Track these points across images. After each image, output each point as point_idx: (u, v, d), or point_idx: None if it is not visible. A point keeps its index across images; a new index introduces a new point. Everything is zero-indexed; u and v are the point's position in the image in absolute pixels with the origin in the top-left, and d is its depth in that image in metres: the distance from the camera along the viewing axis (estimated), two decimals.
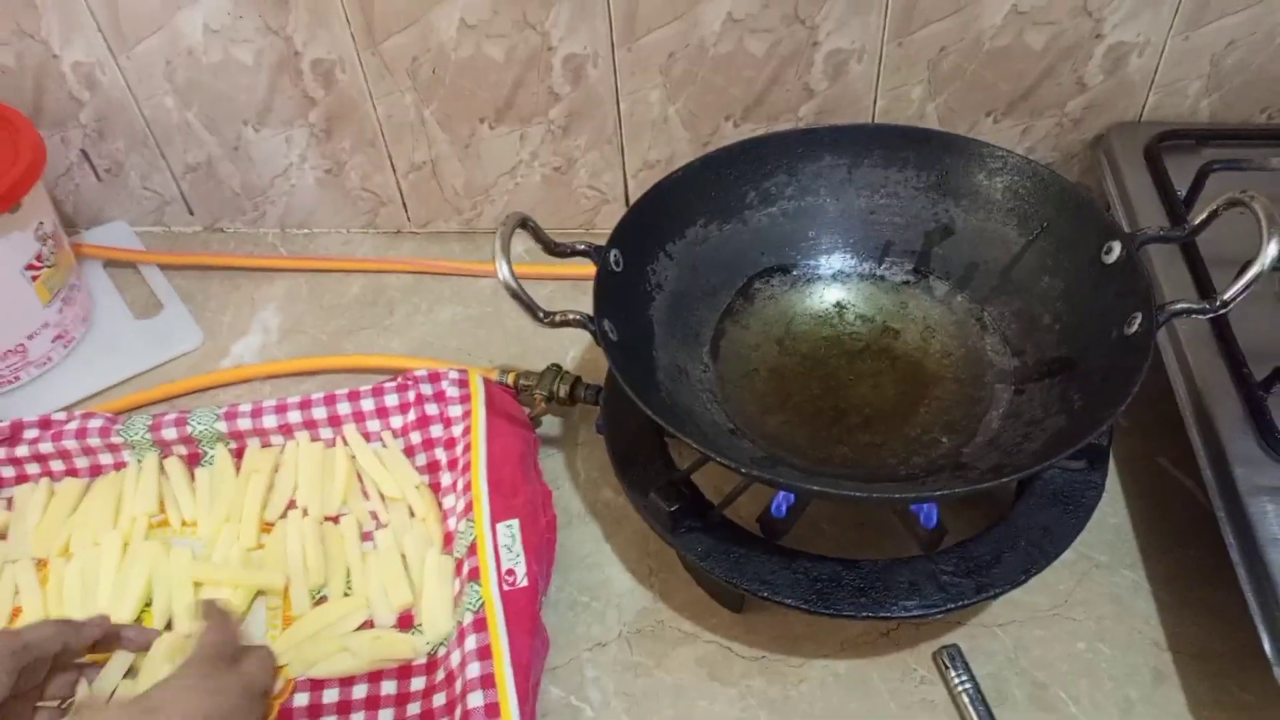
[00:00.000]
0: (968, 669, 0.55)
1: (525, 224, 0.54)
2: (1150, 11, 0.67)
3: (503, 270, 0.51)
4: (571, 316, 0.53)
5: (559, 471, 0.69)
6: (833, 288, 0.64)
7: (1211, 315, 0.48)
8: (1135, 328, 0.50)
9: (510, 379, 0.70)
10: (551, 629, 0.60)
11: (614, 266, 0.57)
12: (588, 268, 0.60)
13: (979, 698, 0.54)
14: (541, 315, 0.53)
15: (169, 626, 0.61)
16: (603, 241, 0.58)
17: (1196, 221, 0.51)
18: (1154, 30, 0.68)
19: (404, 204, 0.86)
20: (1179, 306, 0.49)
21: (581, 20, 0.71)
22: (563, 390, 0.68)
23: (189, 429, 0.68)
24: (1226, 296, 0.47)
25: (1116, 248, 0.53)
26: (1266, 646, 0.47)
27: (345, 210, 0.87)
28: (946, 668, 0.56)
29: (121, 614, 0.61)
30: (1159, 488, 0.64)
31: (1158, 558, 0.61)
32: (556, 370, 0.69)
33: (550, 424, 0.72)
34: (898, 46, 0.70)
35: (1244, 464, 0.52)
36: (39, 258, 0.73)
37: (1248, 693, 0.54)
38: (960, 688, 0.55)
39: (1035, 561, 0.51)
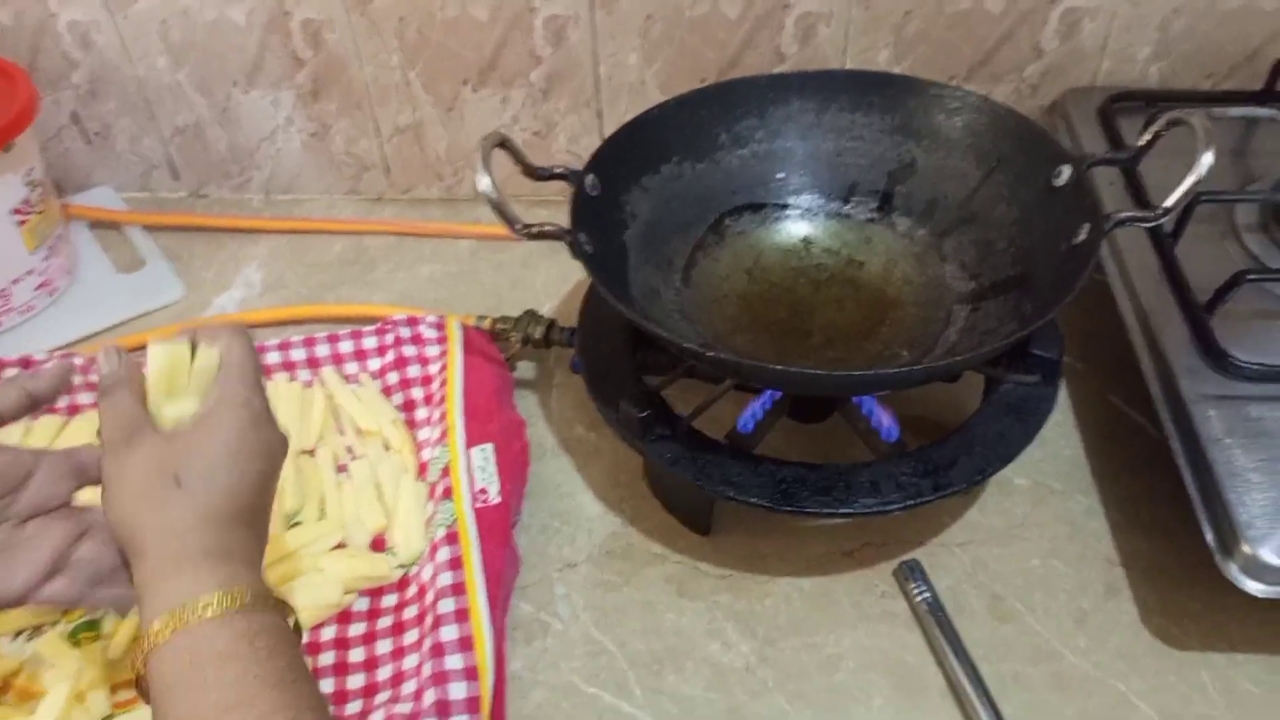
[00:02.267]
0: (927, 581, 0.57)
1: (504, 143, 0.56)
2: None
3: (483, 182, 0.53)
4: (549, 228, 0.55)
5: (534, 410, 0.71)
6: (800, 224, 0.67)
7: (1153, 223, 0.51)
8: (1083, 236, 0.53)
9: (487, 324, 0.72)
10: (523, 551, 0.61)
11: (590, 190, 0.59)
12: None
13: (938, 606, 0.56)
14: (519, 226, 0.55)
15: None
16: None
17: (1141, 143, 0.54)
18: None
19: (386, 169, 0.88)
20: (1124, 215, 0.51)
21: None
22: (538, 332, 0.70)
23: None
24: (1168, 204, 0.50)
25: (1066, 171, 0.56)
26: (1209, 536, 0.49)
27: (329, 175, 0.89)
28: (907, 579, 0.57)
29: None
30: (1112, 424, 0.67)
31: (1110, 485, 0.63)
32: (532, 314, 0.71)
33: (525, 368, 0.74)
34: (864, 10, 0.74)
35: (1189, 376, 0.55)
36: (26, 203, 0.75)
37: (1195, 601, 0.56)
38: (920, 598, 0.56)
39: (990, 464, 0.53)
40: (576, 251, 0.54)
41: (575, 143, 0.85)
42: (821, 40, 0.76)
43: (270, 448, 0.46)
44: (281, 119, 0.85)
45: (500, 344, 0.72)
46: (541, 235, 0.55)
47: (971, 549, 0.60)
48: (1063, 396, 0.68)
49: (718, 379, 0.60)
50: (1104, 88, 0.76)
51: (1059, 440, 0.66)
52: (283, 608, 0.43)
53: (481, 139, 0.55)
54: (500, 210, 0.54)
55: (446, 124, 0.84)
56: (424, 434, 0.67)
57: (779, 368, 0.49)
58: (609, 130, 0.83)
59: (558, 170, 0.59)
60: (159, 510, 0.42)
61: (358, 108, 0.83)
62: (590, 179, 0.59)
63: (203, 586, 0.40)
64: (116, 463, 0.43)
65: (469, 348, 0.69)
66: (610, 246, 0.59)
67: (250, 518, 0.44)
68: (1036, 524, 0.61)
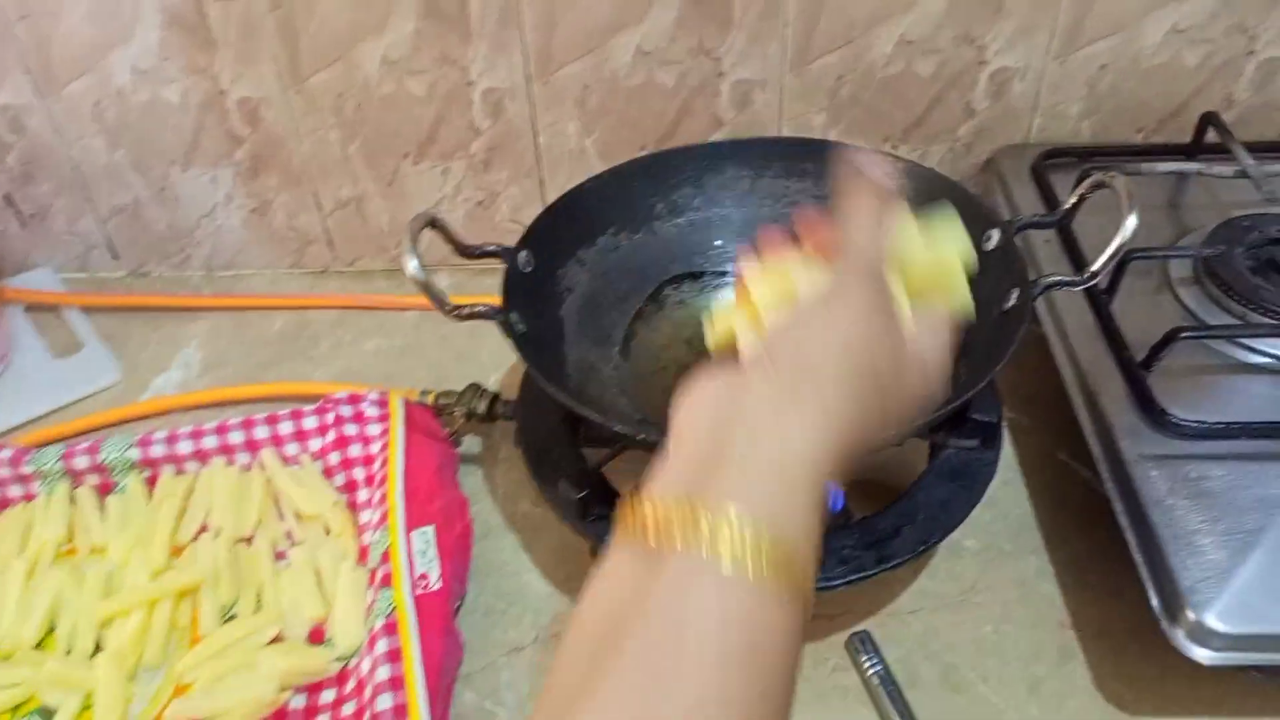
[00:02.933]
0: (878, 653, 0.56)
1: (434, 223, 0.56)
2: (1027, 38, 0.72)
3: (410, 265, 0.52)
4: (480, 309, 0.54)
5: (479, 487, 0.69)
6: None
7: (1083, 286, 0.51)
8: (1013, 302, 0.53)
9: (430, 399, 0.71)
10: (467, 635, 0.60)
11: (523, 267, 0.59)
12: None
13: (890, 679, 0.55)
14: (449, 307, 0.54)
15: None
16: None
17: (1068, 205, 0.54)
18: (1032, 56, 0.73)
19: (330, 242, 0.87)
20: (1052, 279, 0.52)
21: (499, 55, 0.74)
22: (481, 407, 0.69)
23: (101, 457, 0.67)
24: (1095, 268, 0.50)
25: (996, 234, 0.56)
26: (1154, 601, 0.49)
27: (271, 250, 0.88)
28: (858, 652, 0.56)
29: (24, 639, 0.59)
30: (1060, 481, 0.66)
31: (1060, 545, 0.62)
32: (476, 388, 0.70)
33: (471, 442, 0.73)
34: (797, 77, 0.75)
35: (1129, 435, 0.55)
36: None
37: (1149, 665, 0.55)
38: (871, 670, 0.55)
39: (932, 533, 0.53)
40: (507, 332, 0.54)
41: (519, 212, 0.84)
42: (758, 106, 0.76)
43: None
44: (221, 196, 0.84)
45: (444, 419, 0.71)
46: (472, 316, 0.54)
47: (923, 617, 0.59)
48: (1010, 455, 0.68)
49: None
50: (1037, 145, 0.77)
51: (1008, 500, 0.65)
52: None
53: (410, 220, 0.54)
54: (429, 292, 0.53)
55: (388, 197, 0.84)
56: (365, 516, 0.65)
57: None
58: (552, 198, 0.83)
59: (490, 248, 0.58)
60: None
61: (298, 183, 0.83)
62: (523, 255, 0.59)
63: None
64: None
65: (411, 425, 0.68)
66: (545, 322, 0.59)
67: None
68: (988, 588, 0.60)
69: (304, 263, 0.89)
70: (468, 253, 0.58)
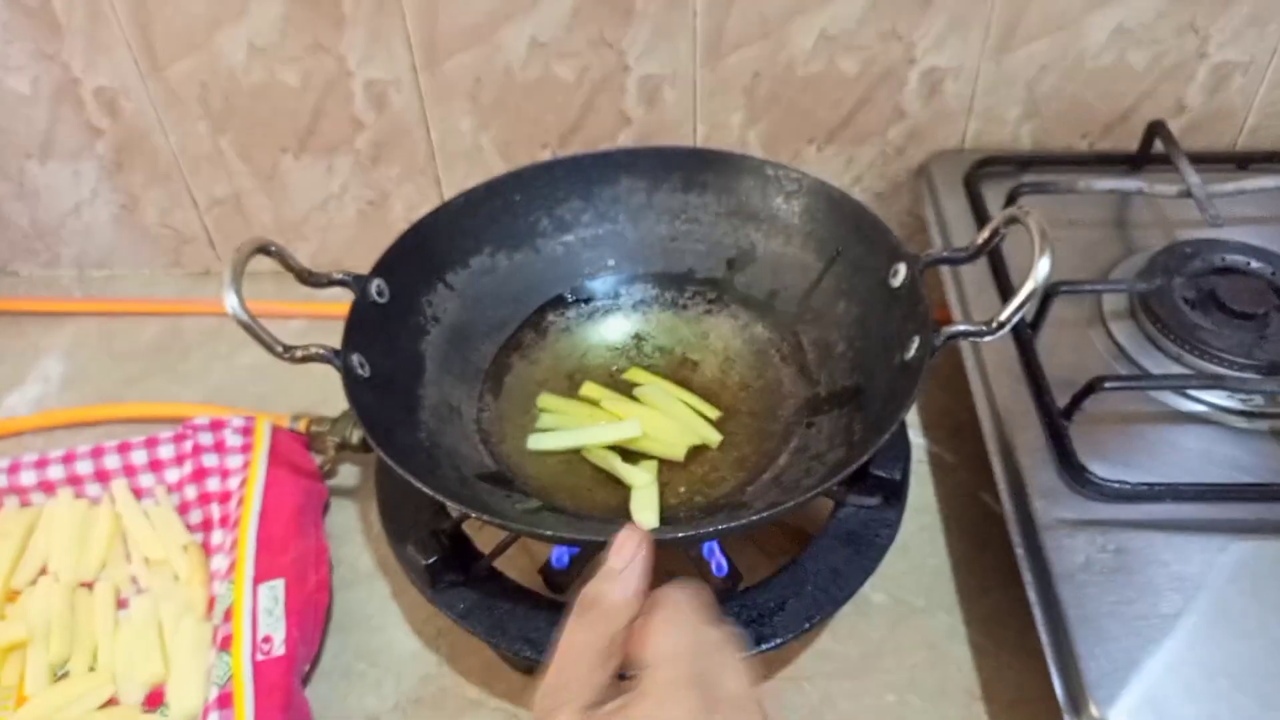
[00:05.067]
0: None
1: (268, 250, 0.49)
2: (959, 35, 0.65)
3: (230, 301, 0.46)
4: (315, 351, 0.48)
5: (350, 525, 0.63)
6: (632, 318, 0.60)
7: (990, 337, 0.45)
8: (912, 352, 0.47)
9: (302, 425, 0.65)
10: (319, 701, 0.54)
11: (376, 297, 0.52)
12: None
13: None
14: (281, 350, 0.47)
15: None
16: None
17: (980, 241, 0.48)
18: (965, 55, 0.66)
19: (210, 241, 0.80)
20: (956, 329, 0.46)
21: (377, 44, 0.67)
22: (356, 436, 0.63)
23: None
24: (1002, 318, 0.44)
25: (902, 270, 0.50)
26: (1058, 689, 0.44)
27: (146, 249, 0.80)
28: None
29: None
30: (981, 525, 0.61)
31: (976, 599, 0.57)
32: (353, 416, 0.64)
33: (348, 474, 0.66)
34: (710, 72, 0.68)
35: (1043, 495, 0.49)
36: None
37: None
38: None
39: (821, 607, 0.47)
40: (346, 377, 0.47)
41: (415, 211, 0.77)
42: (669, 103, 0.69)
43: None
44: (86, 192, 0.77)
45: (316, 448, 0.65)
46: (308, 359, 0.48)
47: (820, 683, 0.54)
48: (929, 496, 0.63)
49: None
50: (973, 150, 0.70)
51: (924, 547, 0.60)
52: None
53: (235, 248, 0.47)
54: (253, 333, 0.46)
55: (269, 193, 0.76)
56: (216, 563, 0.59)
57: (552, 534, 0.43)
58: (450, 196, 0.76)
59: (337, 276, 0.52)
60: None
61: (167, 178, 0.75)
62: (376, 284, 0.52)
63: None
64: None
65: (275, 457, 0.61)
66: (400, 360, 0.52)
67: None
68: (894, 650, 0.55)
69: (182, 262, 0.82)
70: (312, 281, 0.51)
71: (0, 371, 0.74)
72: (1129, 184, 0.62)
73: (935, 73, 0.67)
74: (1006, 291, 0.58)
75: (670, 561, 0.58)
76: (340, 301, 0.78)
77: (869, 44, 0.66)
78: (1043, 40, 0.65)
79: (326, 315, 0.76)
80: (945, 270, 0.64)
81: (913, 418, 0.67)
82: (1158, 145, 0.66)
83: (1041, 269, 0.43)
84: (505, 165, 0.74)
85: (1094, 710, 0.42)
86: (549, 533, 0.42)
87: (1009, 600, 0.57)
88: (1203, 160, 0.64)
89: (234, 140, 0.73)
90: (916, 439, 0.66)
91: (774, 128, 0.71)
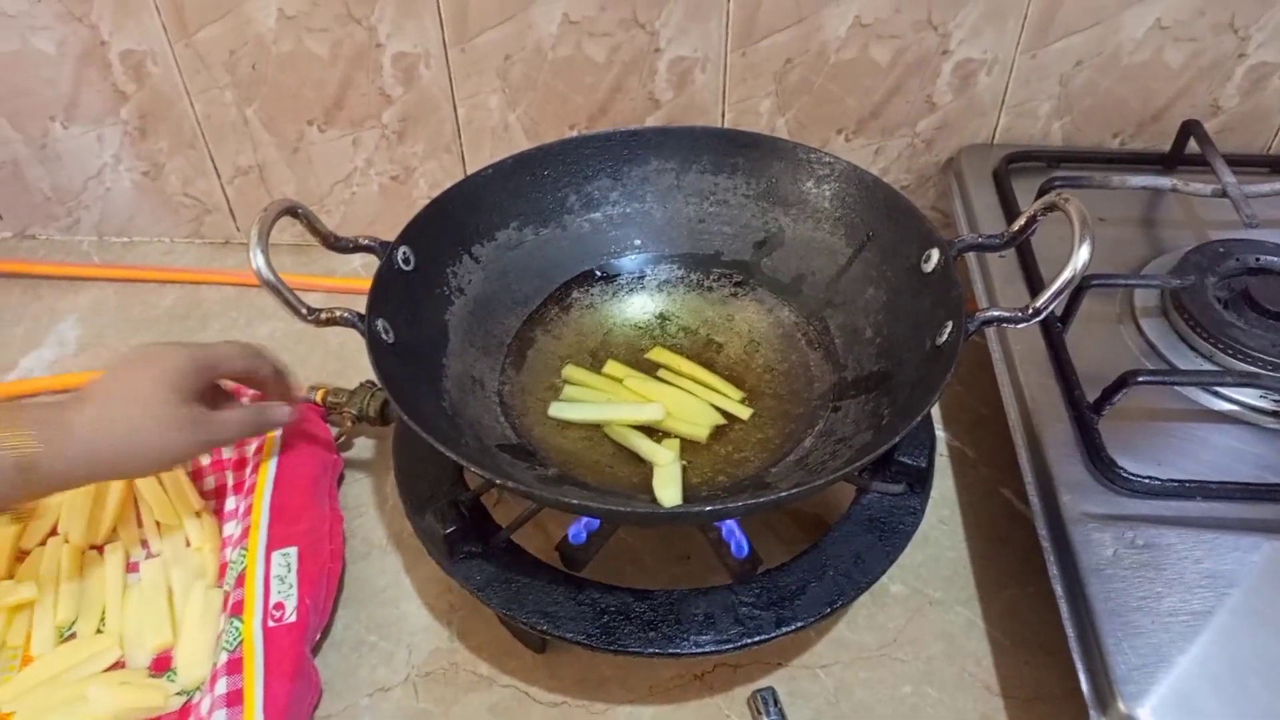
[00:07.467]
0: (781, 714, 0.50)
1: (295, 211, 0.48)
2: (995, 27, 0.65)
3: (257, 261, 0.45)
4: (340, 314, 0.47)
5: (365, 498, 0.63)
6: (657, 298, 0.60)
7: (1024, 324, 0.44)
8: (945, 337, 0.46)
9: (319, 396, 0.64)
10: (330, 671, 0.54)
11: (402, 264, 0.52)
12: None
13: None
14: (306, 312, 0.47)
15: None
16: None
17: (1015, 228, 0.47)
18: (1000, 47, 0.66)
19: (231, 212, 0.80)
20: (990, 315, 0.45)
21: (408, 16, 0.66)
22: (373, 408, 0.63)
23: None
24: (1038, 304, 0.44)
25: (935, 255, 0.50)
26: (1083, 684, 0.43)
27: (167, 217, 0.80)
28: (760, 713, 0.50)
29: None
30: (1002, 521, 0.60)
31: (995, 594, 0.57)
32: (370, 387, 0.64)
33: (363, 447, 0.66)
34: (741, 56, 0.67)
35: (1070, 489, 0.49)
36: None
37: None
38: None
39: (843, 592, 0.46)
40: (371, 342, 0.47)
41: (438, 188, 0.75)
42: (698, 87, 0.69)
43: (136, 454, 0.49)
44: (109, 156, 0.76)
45: (333, 419, 0.64)
46: (333, 322, 0.47)
47: (836, 671, 0.53)
48: (950, 489, 0.62)
49: None
50: (1002, 145, 0.70)
51: (943, 540, 0.59)
52: None
53: (262, 209, 0.47)
54: (279, 295, 0.46)
55: (293, 165, 0.76)
56: (229, 529, 0.58)
57: (576, 502, 0.42)
58: None
59: (363, 241, 0.51)
60: None
61: (192, 147, 0.75)
62: (403, 251, 0.51)
63: None
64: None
65: (291, 426, 0.61)
66: (425, 329, 0.52)
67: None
68: (911, 641, 0.54)
69: (203, 232, 0.81)
70: (338, 246, 0.51)
71: (17, 334, 0.74)
72: (1163, 181, 0.62)
73: (969, 64, 0.67)
74: (1035, 285, 0.58)
75: (689, 544, 0.57)
76: (360, 277, 0.78)
77: (903, 32, 0.65)
78: (1079, 34, 0.65)
79: (346, 289, 0.76)
80: (973, 264, 0.63)
81: (933, 410, 0.66)
82: (1191, 145, 0.66)
83: (1081, 256, 0.42)
84: (531, 145, 0.73)
85: (1122, 706, 0.41)
86: (574, 502, 0.41)
87: (1027, 597, 0.56)
88: (1235, 163, 0.63)
89: (260, 110, 0.72)
90: (937, 432, 0.65)
91: (803, 116, 0.70)
